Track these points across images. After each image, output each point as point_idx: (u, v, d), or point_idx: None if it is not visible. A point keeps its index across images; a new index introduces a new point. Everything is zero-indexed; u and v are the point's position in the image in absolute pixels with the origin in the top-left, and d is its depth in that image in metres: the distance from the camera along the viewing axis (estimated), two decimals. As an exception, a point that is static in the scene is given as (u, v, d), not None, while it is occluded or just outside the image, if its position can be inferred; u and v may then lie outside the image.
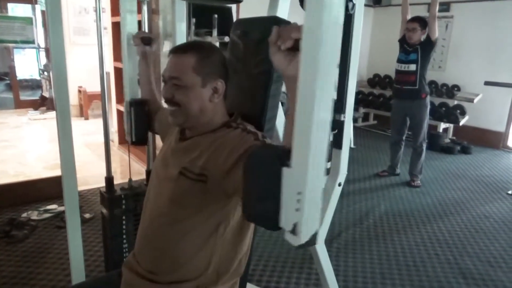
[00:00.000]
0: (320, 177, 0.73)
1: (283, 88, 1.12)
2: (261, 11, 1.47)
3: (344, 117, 1.68)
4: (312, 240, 0.78)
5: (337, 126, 1.71)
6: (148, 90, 1.56)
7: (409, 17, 3.79)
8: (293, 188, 0.72)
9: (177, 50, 1.09)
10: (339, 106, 1.67)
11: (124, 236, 1.83)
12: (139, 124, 1.49)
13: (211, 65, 1.08)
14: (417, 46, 3.64)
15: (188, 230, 1.07)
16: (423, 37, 3.66)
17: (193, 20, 3.44)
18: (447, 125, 5.55)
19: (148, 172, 1.98)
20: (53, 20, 1.56)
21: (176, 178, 1.08)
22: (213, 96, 1.08)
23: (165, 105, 1.17)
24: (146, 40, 1.49)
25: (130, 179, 1.93)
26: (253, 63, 1.23)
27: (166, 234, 1.10)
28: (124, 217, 1.82)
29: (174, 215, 1.09)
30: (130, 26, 1.58)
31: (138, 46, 1.52)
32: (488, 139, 5.47)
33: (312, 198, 0.72)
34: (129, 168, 2.06)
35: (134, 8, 1.58)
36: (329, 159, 1.89)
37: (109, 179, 1.86)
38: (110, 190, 1.85)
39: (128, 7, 1.57)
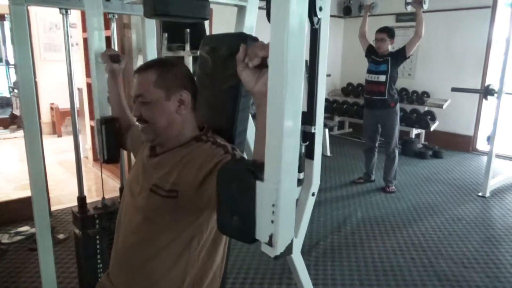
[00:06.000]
0: (292, 188, 0.75)
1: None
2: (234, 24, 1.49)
3: (315, 129, 1.71)
4: (288, 250, 0.79)
5: (308, 138, 1.75)
6: (119, 108, 1.55)
7: (367, 32, 3.96)
8: (267, 200, 0.73)
9: (139, 69, 1.12)
10: (309, 118, 1.71)
11: (99, 256, 1.80)
12: (111, 142, 1.47)
13: (173, 78, 1.10)
14: (387, 58, 3.74)
15: (162, 246, 1.07)
16: (391, 47, 3.78)
17: (165, 34, 3.45)
18: (418, 130, 5.71)
19: (121, 189, 1.95)
20: (19, 37, 1.53)
21: (147, 196, 1.08)
22: (180, 108, 1.10)
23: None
24: (114, 57, 1.49)
25: (103, 198, 1.90)
26: (222, 78, 1.25)
27: (139, 252, 1.09)
28: (98, 237, 1.78)
29: (147, 232, 1.09)
30: (97, 43, 1.57)
31: (107, 63, 1.52)
32: (458, 143, 5.65)
33: (286, 209, 0.73)
34: (102, 186, 2.03)
35: (101, 25, 1.57)
36: (302, 169, 1.92)
37: (81, 199, 1.82)
38: (82, 210, 1.81)
39: (95, 25, 1.56)
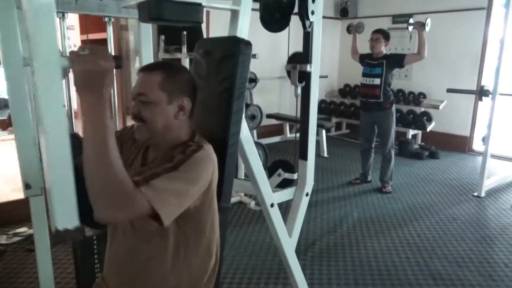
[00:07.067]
0: (64, 168, 0.77)
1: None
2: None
3: (311, 67, 1.71)
4: (72, 233, 0.81)
5: (304, 78, 1.74)
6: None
7: (359, 49, 4.08)
8: None
9: (145, 68, 1.11)
10: (305, 57, 1.70)
11: (96, 257, 1.82)
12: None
13: (178, 83, 1.10)
14: (382, 61, 3.77)
15: (152, 255, 1.09)
16: (384, 49, 3.80)
17: (162, 37, 3.48)
18: (415, 131, 5.74)
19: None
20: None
21: None
22: (179, 113, 1.10)
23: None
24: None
25: None
26: (216, 81, 1.28)
27: (132, 260, 1.11)
28: (95, 238, 1.80)
29: (136, 241, 1.10)
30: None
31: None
32: (454, 144, 5.68)
33: (56, 190, 0.76)
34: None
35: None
36: (295, 170, 1.96)
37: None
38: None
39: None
